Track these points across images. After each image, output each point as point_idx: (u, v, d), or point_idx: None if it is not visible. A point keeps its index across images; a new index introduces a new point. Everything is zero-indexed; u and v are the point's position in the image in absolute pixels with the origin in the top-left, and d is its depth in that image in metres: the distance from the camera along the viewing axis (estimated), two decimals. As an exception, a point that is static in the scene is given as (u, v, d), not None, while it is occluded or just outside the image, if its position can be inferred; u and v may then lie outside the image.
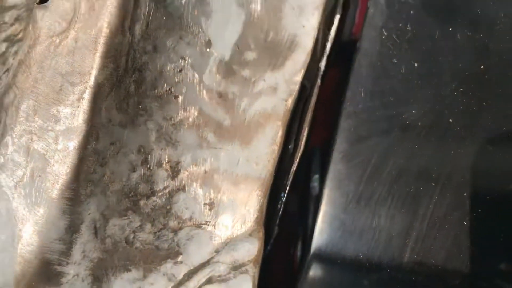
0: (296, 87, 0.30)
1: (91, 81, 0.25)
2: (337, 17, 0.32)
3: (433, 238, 0.29)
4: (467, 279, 0.29)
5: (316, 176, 0.32)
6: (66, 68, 0.26)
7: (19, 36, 0.30)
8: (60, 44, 0.26)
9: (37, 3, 0.26)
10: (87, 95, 0.25)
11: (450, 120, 0.30)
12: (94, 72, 0.25)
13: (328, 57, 0.32)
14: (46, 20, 0.26)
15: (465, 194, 0.29)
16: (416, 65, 0.31)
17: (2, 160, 0.26)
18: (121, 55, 0.26)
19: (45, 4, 0.26)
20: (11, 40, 0.30)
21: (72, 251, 0.27)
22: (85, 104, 0.25)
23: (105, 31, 0.25)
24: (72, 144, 0.25)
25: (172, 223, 0.29)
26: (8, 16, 0.31)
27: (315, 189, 0.32)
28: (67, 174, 0.25)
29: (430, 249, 0.29)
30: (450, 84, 0.30)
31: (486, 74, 0.30)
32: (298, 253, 0.33)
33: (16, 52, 0.28)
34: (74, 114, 0.25)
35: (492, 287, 0.28)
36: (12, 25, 0.30)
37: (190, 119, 0.29)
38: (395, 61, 0.31)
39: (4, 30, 0.30)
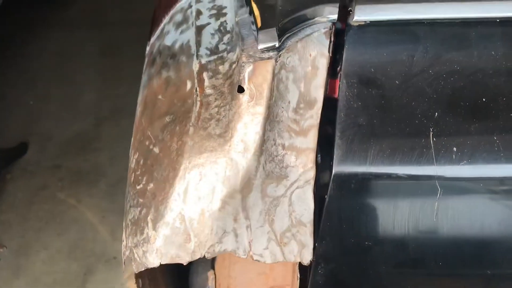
0: (319, 114, 0.82)
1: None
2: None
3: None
4: None
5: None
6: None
7: (221, 105, 0.80)
8: (252, 106, 0.77)
9: (238, 92, 0.77)
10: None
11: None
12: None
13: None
14: (244, 98, 0.77)
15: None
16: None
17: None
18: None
19: (243, 92, 0.77)
20: (219, 107, 0.80)
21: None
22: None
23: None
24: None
25: (285, 166, 0.79)
26: (211, 97, 0.81)
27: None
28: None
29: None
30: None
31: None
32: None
33: (224, 110, 0.78)
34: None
35: None
36: (215, 101, 0.81)
37: (286, 128, 0.80)
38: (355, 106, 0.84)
39: (212, 103, 0.80)
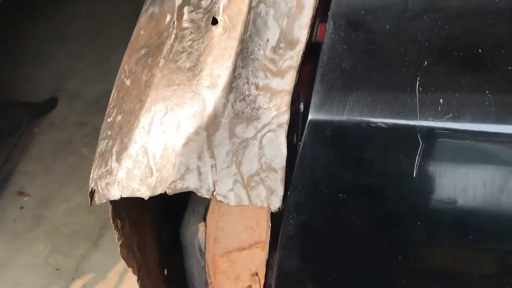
0: (300, 57, 0.78)
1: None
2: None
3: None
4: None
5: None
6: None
7: (195, 39, 0.77)
8: (224, 39, 0.73)
9: (212, 24, 0.74)
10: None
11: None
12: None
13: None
14: (217, 30, 0.74)
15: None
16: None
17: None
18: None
19: (216, 24, 0.74)
20: (192, 40, 0.77)
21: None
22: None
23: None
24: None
25: (257, 107, 0.76)
26: (187, 31, 0.78)
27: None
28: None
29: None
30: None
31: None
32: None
33: (197, 44, 0.75)
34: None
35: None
36: (190, 34, 0.78)
37: (262, 68, 0.76)
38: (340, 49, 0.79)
39: (187, 37, 0.77)
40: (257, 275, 1.19)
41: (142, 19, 0.89)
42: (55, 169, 2.88)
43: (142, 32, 0.85)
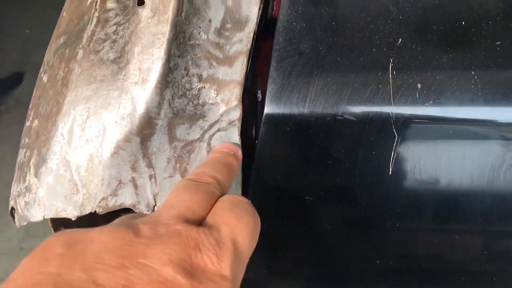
0: (251, 39, 0.66)
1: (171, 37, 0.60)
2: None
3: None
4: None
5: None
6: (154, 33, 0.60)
7: (121, 23, 0.63)
8: (153, 24, 0.60)
9: (137, 5, 0.60)
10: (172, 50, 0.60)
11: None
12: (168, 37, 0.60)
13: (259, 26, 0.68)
14: (144, 13, 0.60)
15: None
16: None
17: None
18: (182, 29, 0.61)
19: (143, 5, 0.60)
20: (118, 25, 0.63)
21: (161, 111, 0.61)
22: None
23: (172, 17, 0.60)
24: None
25: (201, 103, 0.63)
26: (111, 13, 0.65)
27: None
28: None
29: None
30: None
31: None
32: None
33: (123, 29, 0.62)
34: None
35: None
36: (115, 17, 0.64)
37: (205, 55, 0.64)
38: (298, 28, 0.66)
39: (111, 21, 0.64)
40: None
41: (68, -3, 0.75)
42: (24, 149, 2.71)
43: (64, 14, 0.71)
